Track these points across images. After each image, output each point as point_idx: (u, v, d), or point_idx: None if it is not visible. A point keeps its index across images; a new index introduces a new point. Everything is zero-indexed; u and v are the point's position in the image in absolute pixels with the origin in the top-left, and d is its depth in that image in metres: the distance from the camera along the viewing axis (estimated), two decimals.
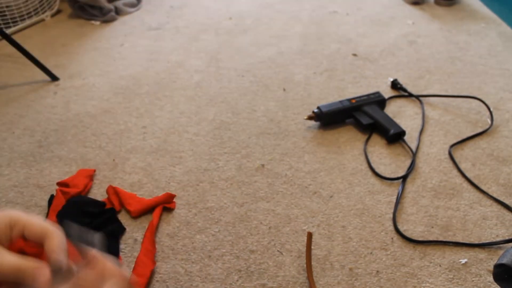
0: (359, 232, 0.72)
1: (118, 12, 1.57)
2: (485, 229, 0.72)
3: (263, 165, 0.86)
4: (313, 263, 0.67)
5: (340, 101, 0.98)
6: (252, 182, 0.82)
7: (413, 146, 0.90)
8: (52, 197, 0.78)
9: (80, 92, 1.12)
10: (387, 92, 1.08)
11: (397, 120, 0.98)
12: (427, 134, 0.94)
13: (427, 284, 0.64)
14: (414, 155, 0.88)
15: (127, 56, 1.29)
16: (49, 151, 0.92)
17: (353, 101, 0.98)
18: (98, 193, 0.81)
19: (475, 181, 0.81)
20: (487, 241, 0.70)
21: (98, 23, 1.52)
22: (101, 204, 0.76)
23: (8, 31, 1.38)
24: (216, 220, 0.75)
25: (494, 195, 0.78)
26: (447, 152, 0.89)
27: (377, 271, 0.66)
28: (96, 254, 0.38)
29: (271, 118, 1.00)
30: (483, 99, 1.02)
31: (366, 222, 0.74)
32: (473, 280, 0.64)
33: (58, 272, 0.35)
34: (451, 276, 0.65)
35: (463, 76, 1.15)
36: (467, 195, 0.79)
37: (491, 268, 0.65)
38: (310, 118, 0.95)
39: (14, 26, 1.45)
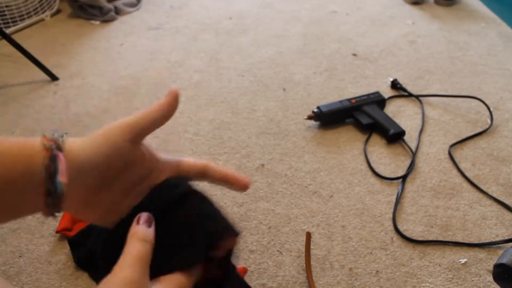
0: (359, 232, 0.72)
1: (118, 12, 1.57)
2: (485, 229, 0.72)
3: (263, 165, 0.86)
4: (312, 263, 0.67)
5: (340, 101, 0.97)
6: (252, 182, 0.82)
7: (413, 146, 0.90)
8: None
9: (80, 92, 1.12)
10: (387, 92, 1.08)
11: (397, 120, 0.98)
12: (426, 134, 0.94)
13: (427, 284, 0.64)
14: (413, 155, 0.88)
15: (127, 56, 1.29)
16: None
17: (353, 101, 0.98)
18: None
19: (475, 181, 0.81)
20: (486, 241, 0.70)
21: (98, 22, 1.52)
22: None
23: (7, 30, 1.38)
24: None
25: (494, 195, 0.78)
26: (446, 152, 0.89)
27: (377, 271, 0.66)
28: None
29: (271, 118, 1.00)
30: (483, 99, 1.02)
31: (366, 222, 0.74)
32: (472, 280, 0.64)
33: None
34: (451, 276, 0.65)
35: (463, 76, 1.15)
36: (466, 195, 0.79)
37: (491, 268, 0.65)
38: (310, 118, 0.95)
39: (14, 26, 1.45)
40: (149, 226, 0.34)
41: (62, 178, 0.32)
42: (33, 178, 0.32)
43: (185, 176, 0.40)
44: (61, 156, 0.33)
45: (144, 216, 0.34)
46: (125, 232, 0.34)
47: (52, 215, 0.34)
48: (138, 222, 0.34)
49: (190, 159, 0.40)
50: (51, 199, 0.32)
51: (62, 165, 0.33)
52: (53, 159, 0.32)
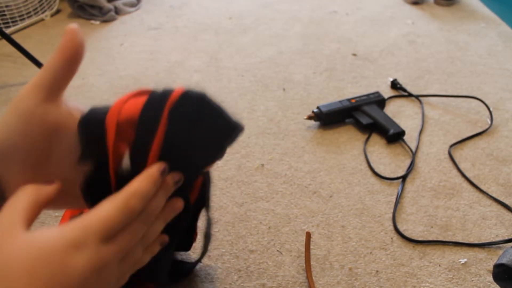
0: (359, 232, 0.72)
1: (118, 11, 1.57)
2: (485, 229, 0.72)
3: (262, 165, 0.86)
4: (312, 263, 0.67)
5: (340, 101, 0.98)
6: (251, 182, 0.82)
7: (413, 146, 0.90)
8: None
9: (80, 92, 1.12)
10: (386, 92, 1.08)
11: (397, 120, 0.98)
12: (426, 134, 0.94)
13: (427, 284, 0.64)
14: (413, 155, 0.88)
15: (127, 56, 1.29)
16: None
17: (353, 101, 0.98)
18: None
19: (475, 181, 0.81)
20: (486, 241, 0.70)
21: (97, 22, 1.52)
22: None
23: (7, 30, 1.38)
24: (216, 220, 0.75)
25: (494, 195, 0.78)
26: (446, 152, 0.89)
27: (377, 271, 0.66)
28: None
29: (270, 118, 1.00)
30: (483, 99, 1.02)
31: (366, 222, 0.74)
32: (472, 280, 0.64)
33: None
34: (451, 276, 0.65)
35: (462, 76, 1.15)
36: (466, 195, 0.79)
37: (491, 268, 0.65)
38: (309, 118, 0.95)
39: (14, 26, 1.45)
40: None
41: None
42: None
43: None
44: None
45: None
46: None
47: None
48: None
49: None
50: None
51: None
52: None
